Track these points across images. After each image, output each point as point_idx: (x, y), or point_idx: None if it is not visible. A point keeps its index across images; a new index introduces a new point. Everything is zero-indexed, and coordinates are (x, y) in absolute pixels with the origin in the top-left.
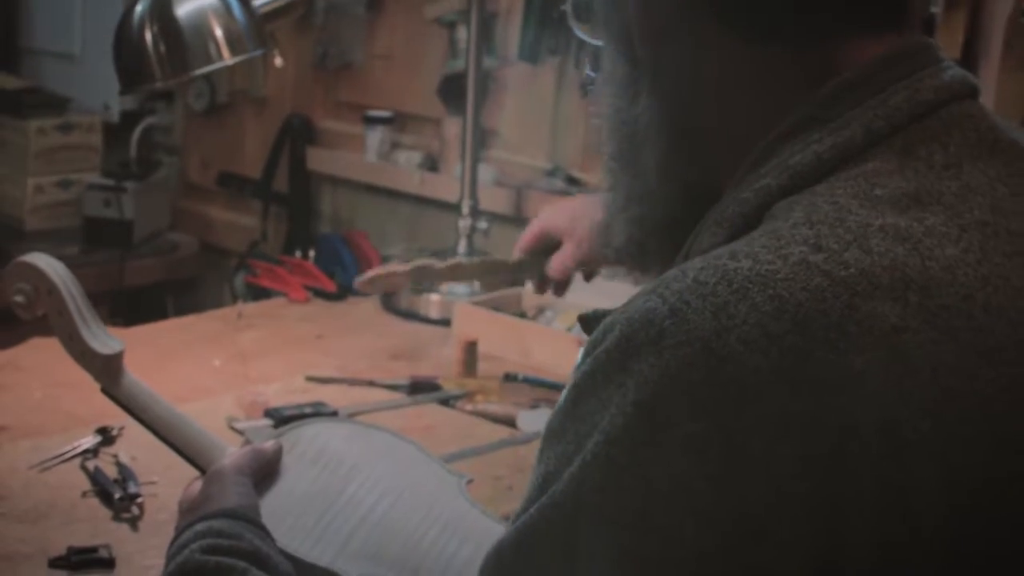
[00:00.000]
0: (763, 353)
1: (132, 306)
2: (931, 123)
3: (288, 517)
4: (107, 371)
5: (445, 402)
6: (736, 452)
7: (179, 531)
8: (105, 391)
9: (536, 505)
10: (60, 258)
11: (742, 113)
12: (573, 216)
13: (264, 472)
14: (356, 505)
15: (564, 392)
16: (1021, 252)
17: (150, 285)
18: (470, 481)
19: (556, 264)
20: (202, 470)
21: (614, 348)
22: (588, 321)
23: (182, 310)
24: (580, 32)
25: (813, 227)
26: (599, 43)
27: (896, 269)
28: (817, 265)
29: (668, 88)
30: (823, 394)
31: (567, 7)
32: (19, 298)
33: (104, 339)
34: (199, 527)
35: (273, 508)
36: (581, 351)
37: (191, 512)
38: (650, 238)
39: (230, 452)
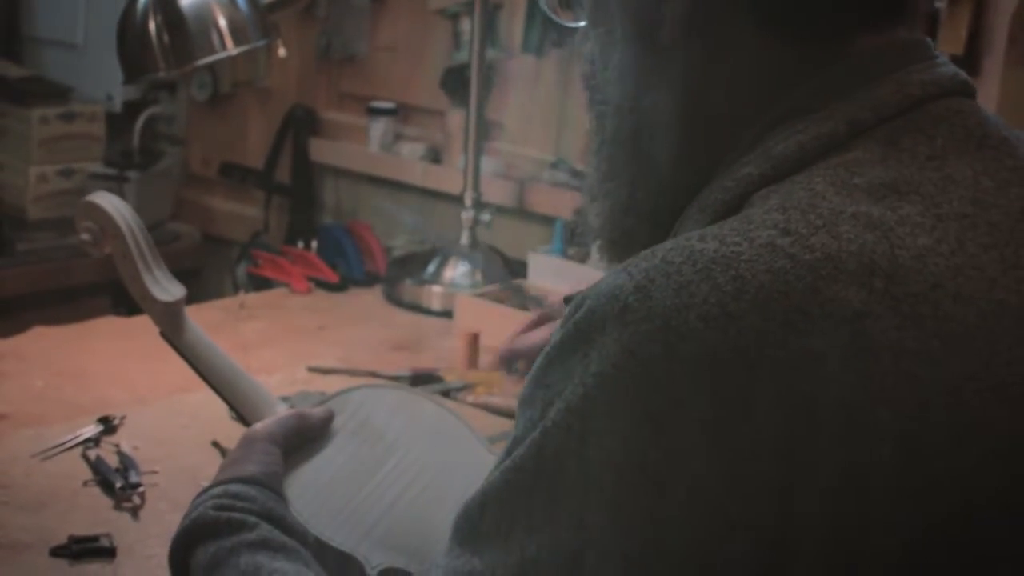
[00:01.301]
0: (722, 331)
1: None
2: (917, 116)
3: (317, 494)
4: (166, 317)
5: (447, 394)
6: (691, 428)
7: (200, 492)
8: (164, 336)
9: (500, 468)
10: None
11: (749, 106)
12: None
13: (302, 440)
14: (388, 486)
15: (536, 361)
16: (999, 244)
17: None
18: None
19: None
20: (249, 424)
21: (581, 320)
22: (571, 300)
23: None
24: (554, 15)
25: (785, 212)
26: (582, 26)
27: (863, 255)
28: (783, 248)
29: (689, 78)
30: (781, 375)
31: None
32: (85, 236)
33: (166, 285)
34: (215, 490)
35: (303, 482)
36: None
37: (218, 474)
38: (652, 229)
39: (280, 411)
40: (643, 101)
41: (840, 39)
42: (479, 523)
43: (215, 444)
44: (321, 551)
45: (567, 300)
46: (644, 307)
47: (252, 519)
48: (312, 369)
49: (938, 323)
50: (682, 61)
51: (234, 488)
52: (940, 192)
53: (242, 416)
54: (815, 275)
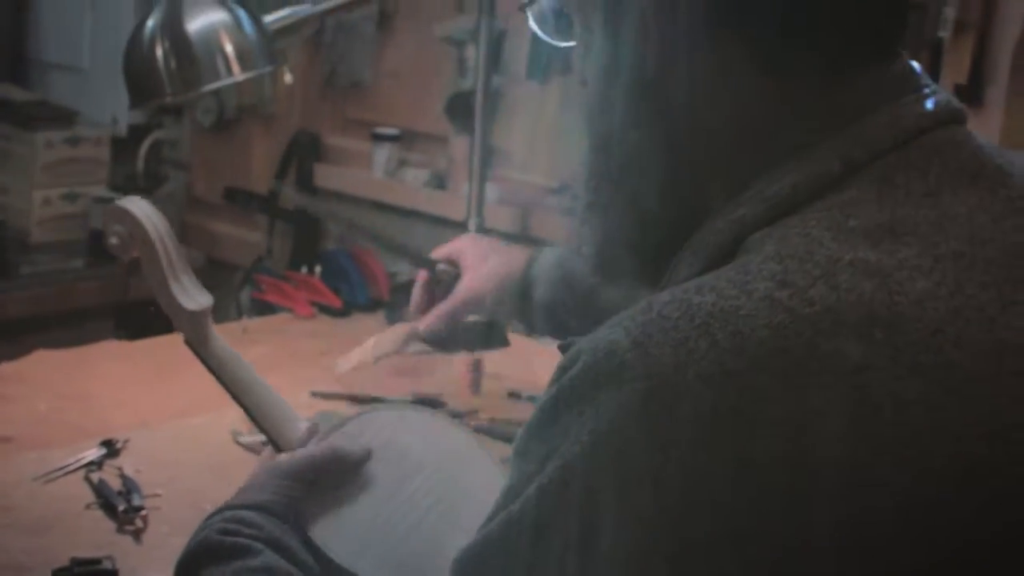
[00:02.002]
0: (721, 390)
1: (136, 320)
2: (911, 151)
3: (338, 519)
4: (192, 326)
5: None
6: (691, 488)
7: (211, 513)
8: (188, 344)
9: (495, 521)
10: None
11: (740, 144)
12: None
13: (335, 478)
14: (408, 512)
15: (532, 413)
16: (997, 281)
17: (154, 299)
18: None
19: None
20: (274, 442)
21: (577, 377)
22: (566, 349)
23: None
24: (543, 34)
25: (781, 262)
26: (569, 45)
27: (863, 306)
28: (781, 302)
29: (682, 111)
30: (781, 433)
31: (529, 8)
32: (113, 240)
33: (193, 293)
34: (227, 513)
35: (327, 509)
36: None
37: (235, 494)
38: (640, 261)
39: (302, 427)
40: (630, 135)
41: (837, 77)
42: (473, 574)
43: (236, 438)
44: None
45: (561, 348)
46: (641, 364)
47: (258, 545)
48: (315, 394)
49: (939, 371)
50: (670, 97)
51: (242, 514)
52: (936, 231)
53: (263, 429)
54: (814, 330)
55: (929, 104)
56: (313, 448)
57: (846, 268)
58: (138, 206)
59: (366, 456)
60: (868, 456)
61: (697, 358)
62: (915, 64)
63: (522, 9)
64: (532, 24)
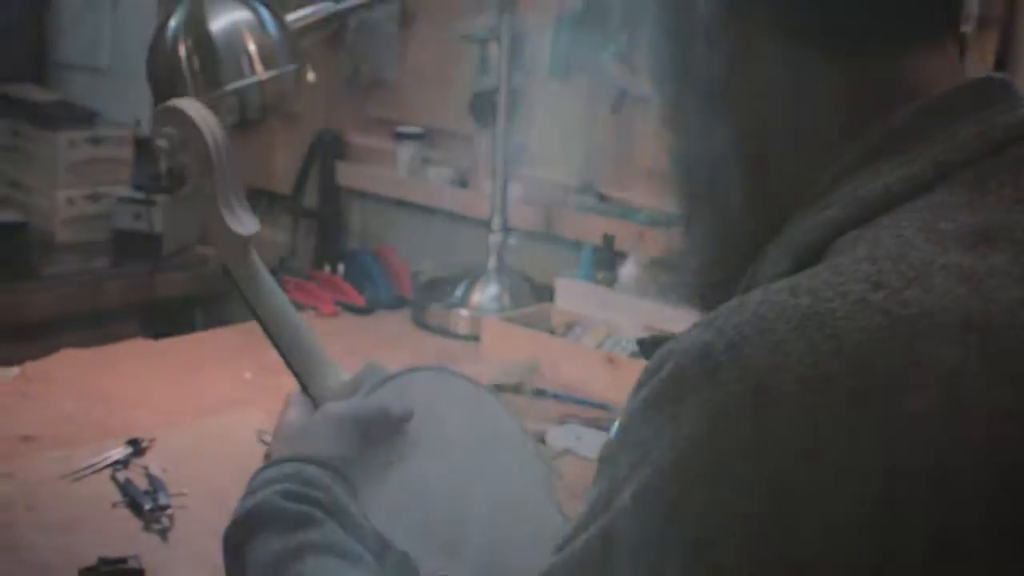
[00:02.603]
0: (818, 394)
1: (161, 319)
2: (1002, 159)
3: (382, 488)
4: (233, 249)
5: None
6: (787, 494)
7: (269, 463)
8: (225, 268)
9: (585, 533)
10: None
11: (823, 145)
12: None
13: (379, 434)
14: (440, 483)
15: (619, 419)
16: None
17: (179, 298)
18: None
19: None
20: (302, 382)
21: (669, 379)
22: (646, 346)
23: (210, 323)
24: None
25: (875, 263)
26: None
27: (957, 310)
28: (877, 304)
29: (745, 116)
30: (879, 438)
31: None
32: (163, 142)
33: (241, 216)
34: (288, 467)
35: (371, 474)
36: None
37: (286, 442)
38: (726, 276)
39: (344, 378)
40: (708, 146)
41: (891, 54)
42: None
43: (261, 437)
44: (380, 546)
45: (641, 344)
46: (737, 366)
47: (320, 514)
48: None
49: None
50: (744, 98)
51: (309, 472)
52: None
53: (294, 369)
54: (912, 332)
55: (1019, 115)
56: (367, 401)
57: (939, 271)
58: (194, 108)
59: (408, 416)
60: (960, 463)
61: (794, 361)
62: (1006, 76)
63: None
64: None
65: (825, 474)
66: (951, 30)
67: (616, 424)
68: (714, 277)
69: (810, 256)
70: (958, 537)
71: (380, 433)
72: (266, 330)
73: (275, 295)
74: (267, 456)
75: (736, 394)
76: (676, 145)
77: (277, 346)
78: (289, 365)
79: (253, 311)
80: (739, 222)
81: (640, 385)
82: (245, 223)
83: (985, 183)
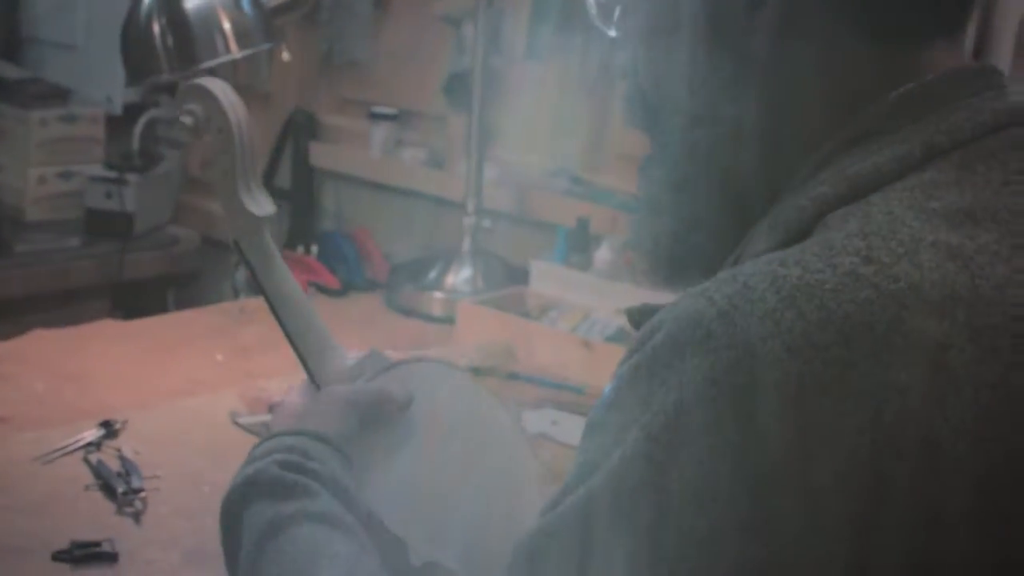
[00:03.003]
0: (807, 362)
1: (132, 299)
2: (991, 142)
3: (378, 471)
4: (248, 229)
5: None
6: (774, 459)
7: (269, 436)
8: (237, 245)
9: (573, 496)
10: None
11: (826, 120)
12: None
13: (379, 419)
14: (434, 470)
15: (608, 386)
16: None
17: (151, 278)
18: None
19: None
20: (307, 364)
21: (660, 346)
22: (635, 315)
23: (183, 304)
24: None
25: (865, 238)
26: (628, 32)
27: (946, 286)
28: (867, 277)
29: (777, 89)
30: (866, 407)
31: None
32: (186, 120)
33: (258, 197)
34: (288, 440)
35: (368, 457)
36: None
37: (288, 419)
38: (719, 245)
39: (351, 358)
40: (724, 112)
41: (917, 44)
42: (547, 551)
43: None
44: (374, 528)
45: (629, 313)
46: (728, 334)
47: (315, 486)
48: None
49: (1018, 356)
50: (770, 71)
51: (307, 444)
52: (1016, 219)
53: (299, 353)
54: (899, 305)
55: (1009, 102)
56: (369, 386)
57: (929, 248)
58: (219, 87)
59: (408, 403)
60: (948, 435)
61: (784, 329)
62: (993, 65)
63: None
64: (592, 10)
65: (812, 442)
66: (964, 26)
67: (605, 389)
68: (693, 242)
69: (800, 232)
70: (941, 510)
71: (380, 417)
72: (274, 310)
73: (285, 277)
74: (268, 432)
75: (726, 361)
76: (679, 104)
77: (284, 327)
78: (294, 346)
79: (263, 291)
80: (736, 188)
81: (631, 352)
82: (261, 204)
83: (973, 164)
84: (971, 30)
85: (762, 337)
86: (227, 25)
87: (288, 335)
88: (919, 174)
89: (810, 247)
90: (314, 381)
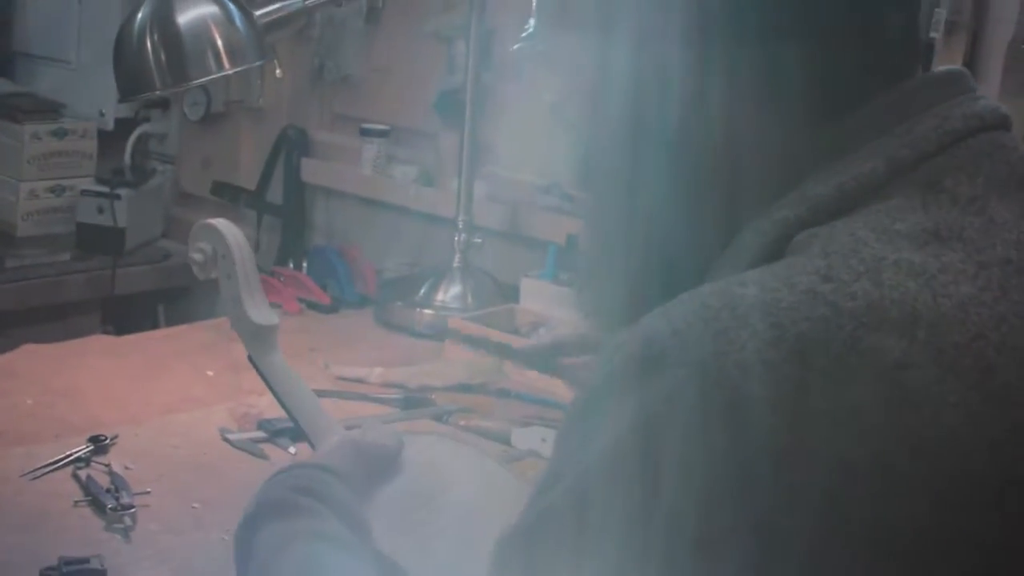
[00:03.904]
0: (759, 381)
1: (123, 314)
2: (959, 152)
3: (379, 514)
4: (257, 340)
5: (439, 418)
6: (727, 479)
7: (282, 469)
8: (250, 359)
9: (535, 510)
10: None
11: (781, 146)
12: None
13: (380, 461)
14: (436, 519)
15: (573, 401)
16: None
17: (142, 293)
18: None
19: None
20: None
21: (619, 365)
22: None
23: (174, 319)
24: (536, 73)
25: (827, 257)
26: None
27: (906, 304)
28: (824, 295)
29: (714, 125)
30: (819, 427)
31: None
32: (197, 256)
33: (263, 311)
34: (296, 471)
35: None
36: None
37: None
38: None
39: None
40: (660, 165)
41: (880, 79)
42: (514, 564)
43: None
44: (375, 554)
45: (601, 340)
46: (680, 353)
47: (323, 508)
48: None
49: (979, 375)
50: (738, 73)
51: (316, 473)
52: (983, 237)
53: (311, 444)
54: (856, 323)
55: (979, 107)
56: (365, 435)
57: (891, 267)
58: (226, 226)
59: (399, 445)
60: (905, 455)
61: (737, 348)
62: (963, 68)
63: (519, 62)
64: (523, 66)
65: (765, 461)
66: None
67: (571, 404)
68: (639, 300)
69: (763, 255)
70: (897, 532)
71: (378, 460)
72: (287, 410)
73: (294, 379)
74: None
75: (678, 379)
76: (616, 160)
77: (296, 423)
78: (307, 439)
79: (274, 394)
80: (685, 240)
81: (595, 372)
82: (266, 316)
83: (940, 180)
84: (960, 54)
85: (714, 355)
86: (220, 42)
87: (302, 431)
88: (884, 200)
89: (771, 268)
90: None
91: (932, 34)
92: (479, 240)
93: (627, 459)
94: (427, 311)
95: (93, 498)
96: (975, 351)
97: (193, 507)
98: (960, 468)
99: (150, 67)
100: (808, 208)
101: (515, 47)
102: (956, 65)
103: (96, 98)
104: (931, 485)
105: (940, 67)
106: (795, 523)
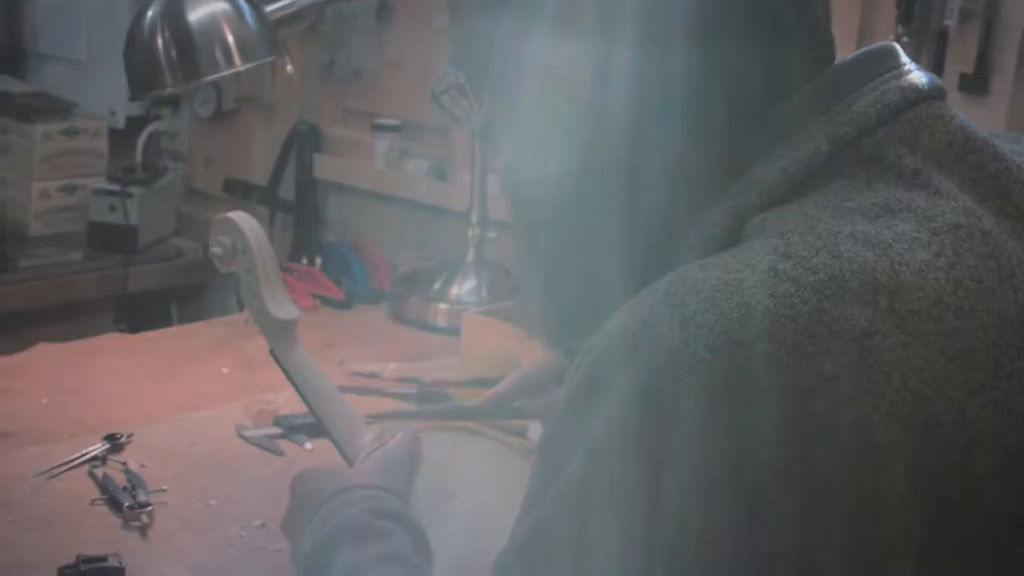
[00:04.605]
0: (731, 360)
1: (136, 312)
2: (899, 126)
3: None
4: (278, 334)
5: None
6: (709, 463)
7: (344, 488)
8: (272, 354)
9: (528, 520)
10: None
11: (727, 133)
12: None
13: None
14: (461, 513)
15: (553, 410)
16: (995, 253)
17: (155, 291)
18: None
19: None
20: (343, 451)
21: (592, 365)
22: (572, 355)
23: (187, 317)
24: (456, 116)
25: (783, 236)
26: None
27: (866, 274)
28: (785, 272)
29: (667, 93)
30: (794, 399)
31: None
32: (217, 250)
33: (283, 305)
34: (365, 493)
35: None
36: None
37: (339, 480)
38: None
39: (367, 437)
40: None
41: (813, 60)
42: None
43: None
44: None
45: (569, 355)
46: (651, 343)
47: (396, 528)
48: None
49: (941, 339)
50: (648, 94)
51: (383, 494)
52: (931, 206)
53: (334, 439)
54: (820, 296)
55: (913, 78)
56: (397, 446)
57: (847, 239)
58: (244, 219)
59: (415, 438)
60: (879, 421)
61: (706, 331)
62: (893, 43)
63: (435, 99)
64: (444, 109)
65: (745, 439)
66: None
67: (551, 415)
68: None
69: (716, 244)
70: (881, 493)
71: (411, 470)
72: (308, 406)
73: (316, 373)
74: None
75: (651, 369)
76: (545, 171)
77: (318, 418)
78: (329, 434)
79: (298, 390)
80: (629, 242)
81: (570, 377)
82: (287, 311)
83: (883, 155)
84: (974, 42)
85: (685, 340)
86: (230, 38)
87: (323, 424)
88: (829, 182)
89: (728, 252)
90: (348, 460)
91: (946, 22)
92: (493, 234)
93: (613, 458)
94: (442, 305)
95: (110, 497)
96: (935, 316)
97: (210, 504)
98: (931, 432)
99: (161, 64)
100: (757, 194)
101: (433, 87)
102: (971, 55)
103: (106, 96)
104: (906, 450)
105: (871, 45)
106: (783, 497)
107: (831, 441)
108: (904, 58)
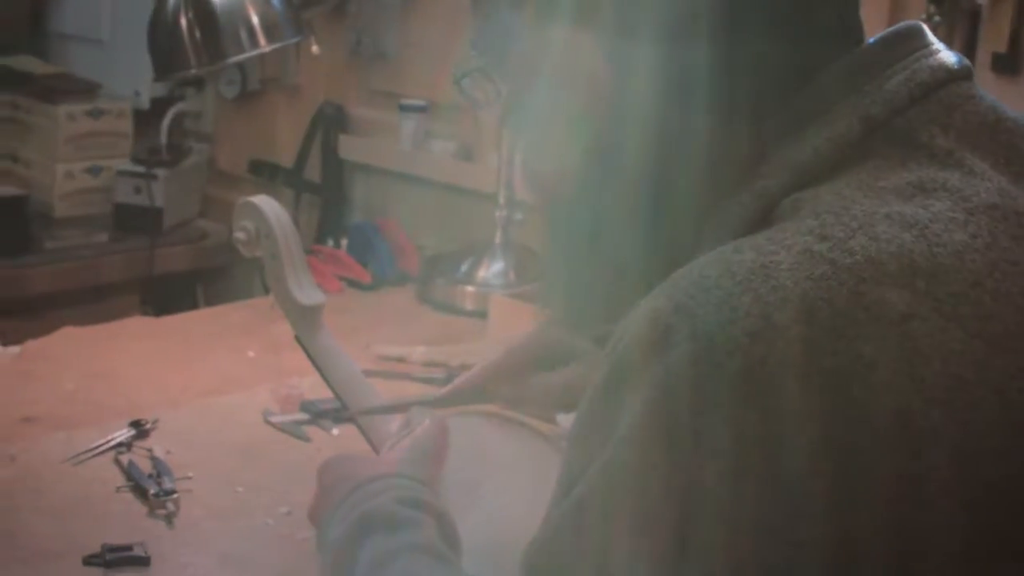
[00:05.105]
0: (768, 344)
1: (162, 294)
2: (930, 105)
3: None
4: (303, 320)
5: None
6: (746, 448)
7: (371, 478)
8: (298, 339)
9: (559, 509)
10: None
11: (754, 112)
12: None
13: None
14: (487, 503)
15: (584, 395)
16: None
17: (180, 273)
18: None
19: None
20: (368, 437)
21: (625, 351)
22: (602, 341)
23: (212, 299)
24: (479, 104)
25: (818, 217)
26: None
27: (903, 256)
28: (821, 254)
29: (695, 79)
30: (833, 384)
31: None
32: (240, 235)
33: (308, 290)
34: (393, 482)
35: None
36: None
37: (366, 468)
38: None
39: (394, 423)
40: (683, 121)
41: (844, 40)
42: (545, 566)
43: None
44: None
45: (598, 341)
46: (686, 327)
47: (425, 518)
48: None
49: (980, 323)
50: (677, 80)
51: (413, 484)
52: (966, 185)
53: (359, 425)
54: (857, 279)
55: (942, 58)
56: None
57: (883, 220)
58: (267, 203)
59: (443, 424)
60: (920, 407)
61: (742, 315)
62: (920, 23)
63: (456, 83)
64: (465, 93)
65: (783, 424)
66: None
67: (583, 400)
68: (615, 302)
69: (750, 227)
70: (923, 480)
71: (440, 458)
72: (334, 391)
73: (341, 359)
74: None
75: (688, 353)
76: (573, 156)
77: (343, 404)
78: (355, 422)
79: (322, 374)
80: (658, 225)
81: (603, 361)
82: (313, 296)
83: (916, 135)
84: (1007, 21)
85: (720, 324)
86: (255, 19)
87: (347, 409)
88: (862, 161)
89: (764, 233)
90: (374, 448)
91: (978, 1)
92: (520, 216)
93: (649, 444)
94: (469, 288)
95: (135, 484)
96: (973, 299)
97: (236, 491)
98: (972, 416)
99: (185, 46)
100: (789, 174)
101: (454, 70)
102: (1004, 35)
103: (131, 77)
104: (946, 434)
105: (897, 24)
106: (822, 484)
107: (870, 427)
108: (931, 37)
